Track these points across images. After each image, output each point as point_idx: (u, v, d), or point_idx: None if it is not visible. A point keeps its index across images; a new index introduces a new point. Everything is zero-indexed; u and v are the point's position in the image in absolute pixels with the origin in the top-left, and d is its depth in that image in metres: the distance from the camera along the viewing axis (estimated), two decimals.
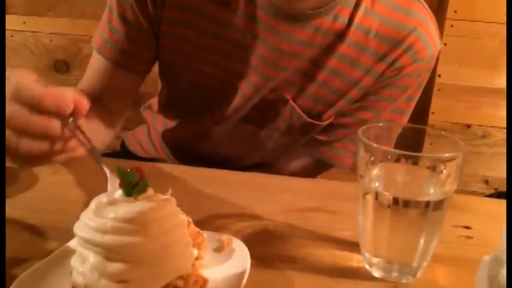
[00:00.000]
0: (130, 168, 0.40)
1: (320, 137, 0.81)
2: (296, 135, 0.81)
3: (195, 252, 0.43)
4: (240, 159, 0.88)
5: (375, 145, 0.45)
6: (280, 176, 0.73)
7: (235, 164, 0.86)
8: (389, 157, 0.46)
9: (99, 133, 0.76)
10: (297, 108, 0.77)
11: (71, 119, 0.47)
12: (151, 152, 0.95)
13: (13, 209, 0.58)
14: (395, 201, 0.46)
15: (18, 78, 0.46)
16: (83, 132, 0.49)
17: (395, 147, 0.47)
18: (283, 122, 0.79)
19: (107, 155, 0.94)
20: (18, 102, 0.45)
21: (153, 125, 0.94)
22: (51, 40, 1.46)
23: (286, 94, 0.76)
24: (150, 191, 0.41)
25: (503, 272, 0.28)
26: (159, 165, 0.76)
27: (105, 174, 0.49)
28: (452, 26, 1.25)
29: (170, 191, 0.43)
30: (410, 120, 1.40)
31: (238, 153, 0.87)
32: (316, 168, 0.86)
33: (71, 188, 0.64)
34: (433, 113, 1.35)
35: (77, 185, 0.65)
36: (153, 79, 0.88)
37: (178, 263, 0.40)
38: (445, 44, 1.28)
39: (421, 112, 1.36)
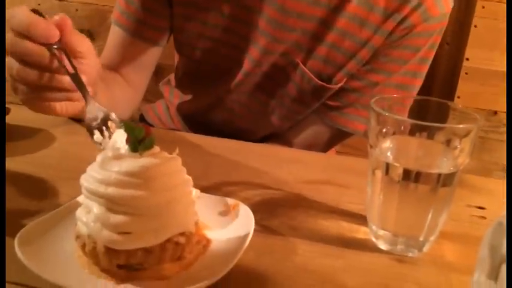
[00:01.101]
0: (138, 124, 0.40)
1: (331, 103, 0.80)
2: (308, 100, 0.80)
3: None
4: (254, 129, 0.87)
5: (387, 114, 0.44)
6: (292, 148, 0.72)
7: (249, 135, 0.85)
8: (402, 128, 0.45)
9: (118, 103, 0.77)
10: (307, 71, 0.76)
11: (55, 46, 0.52)
12: (169, 124, 0.96)
13: (29, 164, 0.59)
14: (405, 173, 0.45)
15: (14, 9, 0.51)
16: (68, 58, 0.53)
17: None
18: (294, 87, 0.79)
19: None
20: (11, 31, 0.50)
21: (170, 99, 0.95)
22: (76, 10, 1.47)
23: (296, 57, 0.76)
24: (156, 149, 0.41)
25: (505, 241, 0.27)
26: (172, 132, 0.76)
27: (87, 99, 0.54)
28: (483, 7, 1.21)
29: (177, 151, 0.43)
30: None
31: (251, 123, 0.87)
32: (329, 139, 0.85)
33: (86, 147, 0.64)
34: (458, 97, 1.31)
35: (92, 144, 0.66)
36: (173, 52, 0.88)
37: (181, 220, 0.40)
38: (475, 26, 1.23)
39: (446, 96, 1.32)
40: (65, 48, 0.54)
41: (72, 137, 0.68)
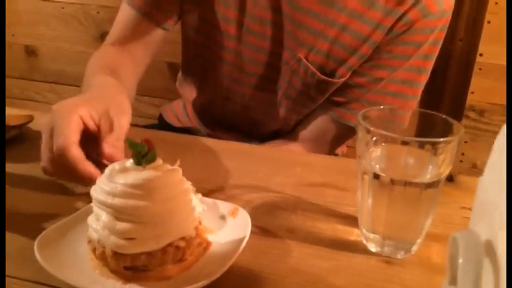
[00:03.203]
0: (140, 140, 0.44)
1: (337, 98, 0.83)
2: (312, 94, 0.84)
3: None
4: (263, 122, 0.91)
5: (371, 128, 0.47)
6: (296, 152, 0.76)
7: (259, 128, 0.90)
8: (389, 139, 0.48)
9: (128, 88, 0.81)
10: (310, 66, 0.80)
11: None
12: (186, 122, 1.01)
13: None
14: (391, 181, 0.48)
15: (62, 134, 0.51)
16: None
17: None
18: (298, 81, 0.82)
19: (146, 126, 1.01)
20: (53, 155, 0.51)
21: (185, 96, 0.99)
22: (98, 12, 1.53)
23: (299, 53, 0.80)
24: (159, 161, 0.45)
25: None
26: (184, 136, 0.80)
27: None
28: (496, 3, 1.20)
29: (178, 162, 0.47)
30: (449, 99, 1.37)
31: (261, 115, 0.90)
32: (336, 135, 0.88)
33: None
34: (472, 93, 1.31)
35: None
36: None
37: (181, 226, 0.44)
38: (489, 22, 1.23)
39: (460, 91, 1.33)
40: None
41: None
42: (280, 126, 0.92)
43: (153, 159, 0.44)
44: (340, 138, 0.90)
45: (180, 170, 0.46)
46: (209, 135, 0.95)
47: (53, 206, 0.56)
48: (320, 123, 0.87)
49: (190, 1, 0.84)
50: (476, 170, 1.35)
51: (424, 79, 0.82)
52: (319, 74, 0.80)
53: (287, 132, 0.92)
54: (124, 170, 0.44)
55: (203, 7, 0.83)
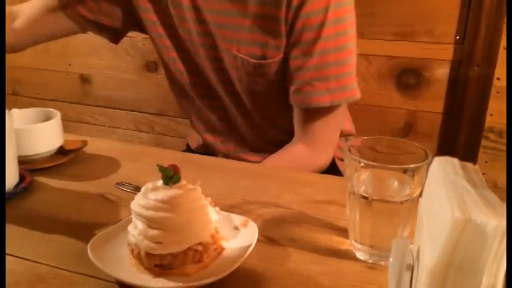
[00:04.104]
0: (168, 165, 0.57)
1: (292, 88, 0.94)
2: (258, 80, 0.96)
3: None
4: (243, 127, 1.07)
5: (354, 157, 0.57)
6: (306, 172, 0.86)
7: (248, 136, 1.06)
8: (369, 166, 0.58)
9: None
10: (244, 56, 0.93)
11: None
12: (205, 149, 1.15)
13: (98, 187, 0.78)
14: (374, 200, 0.58)
15: None
16: None
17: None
18: (243, 74, 0.96)
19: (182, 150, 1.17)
20: None
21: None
22: (143, 44, 1.70)
23: (233, 50, 0.94)
24: (183, 182, 0.58)
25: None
26: (208, 158, 0.92)
27: None
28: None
29: (199, 182, 0.59)
30: (468, 121, 1.43)
31: (239, 120, 1.06)
32: (315, 122, 0.97)
33: (142, 173, 0.83)
34: (491, 115, 1.37)
35: (151, 173, 0.84)
36: None
37: (199, 234, 0.56)
38: (504, 48, 1.29)
39: (479, 114, 1.39)
40: None
41: (133, 164, 0.87)
42: (259, 127, 1.05)
43: (178, 181, 0.57)
44: (323, 122, 0.96)
45: (200, 189, 0.58)
46: (224, 155, 1.09)
47: (102, 217, 0.69)
48: (297, 117, 0.98)
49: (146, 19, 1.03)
50: (497, 189, 1.40)
51: (352, 39, 0.92)
52: (251, 60, 0.93)
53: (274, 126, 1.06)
54: (155, 189, 0.56)
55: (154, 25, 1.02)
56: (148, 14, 1.01)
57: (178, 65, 1.04)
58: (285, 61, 0.93)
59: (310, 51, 0.90)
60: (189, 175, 0.58)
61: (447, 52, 1.40)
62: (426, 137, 1.49)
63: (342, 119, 1.05)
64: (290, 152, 0.99)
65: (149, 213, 0.54)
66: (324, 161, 0.99)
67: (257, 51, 0.93)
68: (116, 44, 1.12)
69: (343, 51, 0.91)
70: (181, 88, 1.08)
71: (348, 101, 0.95)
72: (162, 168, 0.56)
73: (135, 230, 0.56)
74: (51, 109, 0.89)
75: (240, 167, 0.87)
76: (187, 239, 0.55)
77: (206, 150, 1.14)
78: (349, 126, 1.16)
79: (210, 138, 1.11)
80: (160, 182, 0.57)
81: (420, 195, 0.59)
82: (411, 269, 0.42)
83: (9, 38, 1.01)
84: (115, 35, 1.10)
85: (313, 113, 0.96)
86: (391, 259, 0.40)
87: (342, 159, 1.09)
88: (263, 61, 0.93)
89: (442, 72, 1.42)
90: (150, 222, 0.54)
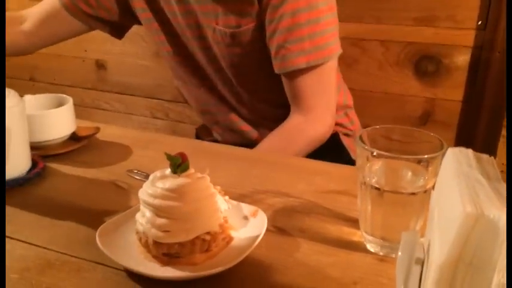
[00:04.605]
0: (176, 153, 0.56)
1: (272, 55, 0.94)
2: (236, 51, 0.97)
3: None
4: (237, 106, 1.08)
5: (366, 147, 0.56)
6: (319, 161, 0.84)
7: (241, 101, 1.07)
8: (382, 155, 0.56)
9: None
10: (222, 28, 0.95)
11: None
12: (216, 137, 1.14)
13: (110, 174, 0.78)
14: (386, 191, 0.56)
15: None
16: None
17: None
18: (223, 47, 0.97)
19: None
20: None
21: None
22: None
23: (212, 23, 0.95)
24: (191, 170, 0.57)
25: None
26: (220, 146, 0.91)
27: None
28: None
29: (208, 171, 0.59)
30: (488, 112, 1.39)
31: (227, 96, 1.07)
32: (297, 86, 0.96)
33: (154, 161, 0.83)
34: None
35: (162, 160, 0.84)
36: None
37: (206, 223, 0.55)
38: None
39: (499, 102, 1.35)
40: None
41: (146, 151, 0.87)
42: (249, 103, 1.06)
43: (186, 169, 0.56)
44: (307, 87, 0.95)
45: (208, 178, 0.58)
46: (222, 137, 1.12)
47: (113, 204, 0.69)
48: (285, 88, 0.98)
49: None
50: None
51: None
52: (226, 29, 0.94)
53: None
54: (163, 177, 0.56)
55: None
56: (139, 3, 1.04)
57: (167, 48, 1.08)
58: (261, 29, 0.94)
59: (280, 13, 0.90)
60: (200, 163, 0.58)
61: (468, 38, 1.36)
62: (445, 126, 1.45)
63: (332, 82, 0.99)
64: (285, 125, 0.98)
65: (157, 201, 0.54)
66: (322, 129, 0.97)
67: (232, 21, 0.94)
68: (120, 38, 1.16)
69: (314, 10, 0.90)
70: (177, 74, 1.12)
71: (325, 60, 0.93)
72: (170, 157, 0.55)
73: (143, 218, 0.55)
74: (64, 95, 0.89)
75: (252, 156, 0.86)
76: (195, 228, 0.54)
77: (206, 133, 1.15)
78: (347, 99, 1.14)
79: (207, 121, 1.14)
80: (168, 171, 0.56)
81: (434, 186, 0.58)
82: (421, 263, 0.40)
83: (20, 41, 1.06)
84: (117, 30, 1.13)
85: (296, 77, 0.94)
86: (399, 253, 0.38)
87: (346, 135, 1.07)
88: (237, 29, 0.94)
89: (462, 59, 1.38)
90: (158, 211, 0.54)
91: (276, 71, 0.96)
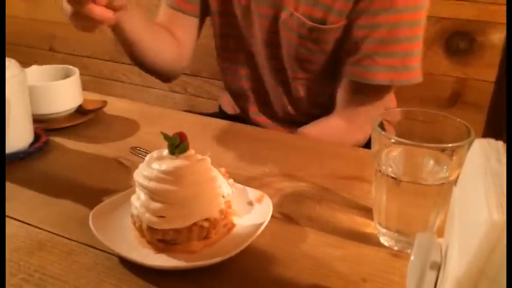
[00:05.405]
0: (174, 133, 0.52)
1: (349, 59, 0.86)
2: (309, 46, 0.88)
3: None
4: (285, 97, 0.98)
5: (383, 132, 0.50)
6: (334, 144, 0.79)
7: (286, 106, 0.97)
8: (400, 142, 0.51)
9: (164, 51, 0.96)
10: (301, 16, 0.85)
11: None
12: (236, 110, 1.08)
13: (114, 150, 0.75)
14: (404, 181, 0.51)
15: None
16: None
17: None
18: (294, 36, 0.88)
19: (206, 114, 1.10)
20: None
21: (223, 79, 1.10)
22: None
23: (290, 6, 0.85)
24: (191, 151, 0.53)
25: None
26: (229, 124, 0.87)
27: None
28: None
29: (209, 153, 0.54)
30: None
31: (279, 87, 0.98)
32: (364, 98, 0.90)
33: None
34: None
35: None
36: None
37: (205, 209, 0.51)
38: None
39: None
40: None
41: (153, 127, 0.83)
42: (297, 96, 0.97)
43: (184, 150, 0.52)
44: (370, 100, 0.90)
45: (209, 160, 0.53)
46: (254, 123, 1.03)
47: (114, 183, 0.66)
48: (345, 90, 0.90)
49: None
50: None
51: (424, 15, 0.82)
52: (308, 22, 0.84)
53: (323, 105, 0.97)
54: (160, 158, 0.52)
55: None
56: None
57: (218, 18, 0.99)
58: (346, 30, 0.84)
59: (378, 22, 0.81)
60: (206, 141, 0.54)
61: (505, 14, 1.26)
62: (475, 108, 1.37)
63: (389, 99, 0.96)
64: (327, 124, 0.93)
65: (152, 184, 0.50)
66: (362, 138, 0.92)
67: (318, 13, 0.84)
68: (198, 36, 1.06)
69: (415, 28, 0.82)
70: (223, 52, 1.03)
71: (409, 82, 0.85)
72: (167, 137, 0.51)
73: (138, 201, 0.52)
74: (70, 66, 0.85)
75: (263, 135, 0.81)
76: (193, 214, 0.50)
77: (238, 116, 1.08)
78: (393, 103, 1.07)
79: (243, 104, 1.06)
80: (166, 151, 0.52)
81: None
82: (437, 268, 0.35)
83: (173, 51, 0.98)
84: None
85: (364, 89, 0.88)
86: (411, 257, 0.34)
87: None
88: (321, 26, 0.85)
89: (497, 37, 1.29)
90: (153, 194, 0.50)
91: (349, 76, 0.88)
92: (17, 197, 0.62)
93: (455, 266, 0.29)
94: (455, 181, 0.50)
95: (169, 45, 0.97)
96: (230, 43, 1.01)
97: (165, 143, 0.52)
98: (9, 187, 0.64)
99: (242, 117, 1.06)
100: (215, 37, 1.03)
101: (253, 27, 0.93)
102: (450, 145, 0.48)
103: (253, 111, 1.04)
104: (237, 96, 1.06)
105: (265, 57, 0.96)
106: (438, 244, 0.37)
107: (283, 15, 0.88)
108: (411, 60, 0.84)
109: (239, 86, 1.03)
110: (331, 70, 0.91)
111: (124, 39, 0.86)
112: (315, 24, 0.85)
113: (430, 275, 0.35)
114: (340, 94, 0.91)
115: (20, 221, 0.57)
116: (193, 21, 1.00)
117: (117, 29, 0.83)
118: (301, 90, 0.96)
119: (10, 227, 0.56)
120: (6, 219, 0.58)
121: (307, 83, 0.95)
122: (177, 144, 0.51)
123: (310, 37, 0.87)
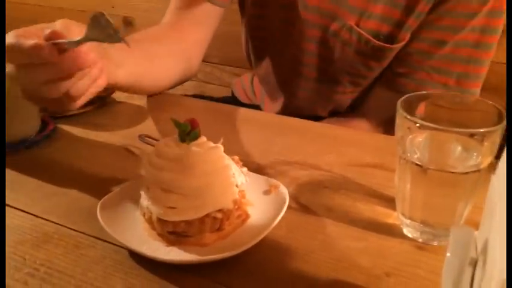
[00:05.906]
0: (186, 119, 0.49)
1: (399, 69, 0.80)
2: (369, 63, 0.81)
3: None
4: (321, 104, 0.92)
5: (408, 116, 0.47)
6: (352, 130, 0.76)
7: (317, 111, 0.90)
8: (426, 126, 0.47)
9: (159, 74, 0.83)
10: (363, 32, 0.77)
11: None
12: (251, 98, 1.05)
13: (123, 137, 0.72)
14: (430, 168, 0.47)
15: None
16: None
17: None
18: (351, 51, 0.80)
19: (217, 100, 1.06)
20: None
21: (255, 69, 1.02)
22: None
23: (349, 21, 0.77)
24: (203, 139, 0.50)
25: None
26: (242, 110, 0.83)
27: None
28: None
29: (222, 140, 0.51)
30: None
31: (318, 97, 0.91)
32: (388, 107, 0.84)
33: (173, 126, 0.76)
34: None
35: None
36: None
37: (218, 199, 0.48)
38: None
39: None
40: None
41: (162, 114, 0.80)
42: (336, 104, 0.91)
43: (195, 137, 0.49)
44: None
45: (221, 148, 0.50)
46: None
47: (122, 172, 0.63)
48: (383, 97, 0.84)
49: None
50: None
51: (495, 39, 0.76)
52: (374, 40, 0.77)
53: (345, 110, 0.92)
54: (170, 146, 0.49)
55: None
56: None
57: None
58: (407, 43, 0.78)
59: (445, 39, 0.75)
60: (218, 128, 0.51)
61: None
62: (498, 92, 1.31)
63: None
64: (351, 123, 0.87)
65: (162, 173, 0.47)
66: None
67: (385, 28, 0.77)
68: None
69: (483, 51, 0.76)
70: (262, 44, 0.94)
71: None
72: (177, 123, 0.48)
73: (147, 191, 0.49)
74: None
75: (278, 121, 0.78)
76: (205, 205, 0.48)
77: (254, 103, 1.05)
78: None
79: (267, 102, 1.01)
80: (176, 139, 0.49)
81: (491, 167, 0.48)
82: (474, 264, 0.32)
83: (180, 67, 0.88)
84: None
85: None
86: (448, 254, 0.30)
87: None
88: (390, 45, 0.77)
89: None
90: (163, 184, 0.47)
91: (396, 86, 0.82)
92: (22, 186, 0.60)
93: (501, 266, 0.26)
94: (488, 169, 0.47)
95: (175, 64, 0.86)
96: (266, 47, 0.93)
97: (175, 130, 0.49)
98: (14, 177, 0.62)
99: (257, 105, 1.02)
100: (246, 40, 0.97)
101: (300, 35, 0.85)
102: (482, 130, 0.44)
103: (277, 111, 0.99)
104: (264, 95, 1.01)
105: (308, 68, 0.88)
106: (474, 238, 0.34)
107: (335, 26, 0.80)
108: (468, 84, 0.78)
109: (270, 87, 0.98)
110: (375, 80, 0.86)
111: (128, 90, 0.78)
112: (382, 44, 0.77)
113: (468, 272, 0.32)
114: (374, 100, 0.86)
115: (24, 211, 0.55)
116: (214, 11, 0.87)
117: (116, 89, 0.77)
118: (341, 100, 0.90)
119: (14, 218, 0.54)
120: (11, 209, 0.55)
121: (351, 95, 0.89)
122: (188, 131, 0.48)
123: (373, 55, 0.80)
